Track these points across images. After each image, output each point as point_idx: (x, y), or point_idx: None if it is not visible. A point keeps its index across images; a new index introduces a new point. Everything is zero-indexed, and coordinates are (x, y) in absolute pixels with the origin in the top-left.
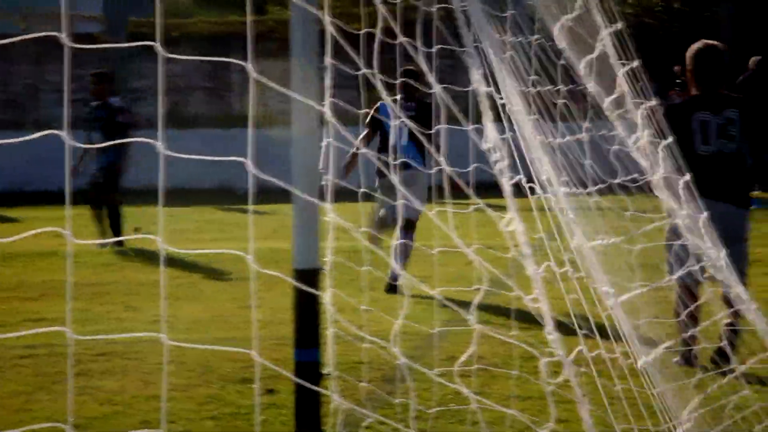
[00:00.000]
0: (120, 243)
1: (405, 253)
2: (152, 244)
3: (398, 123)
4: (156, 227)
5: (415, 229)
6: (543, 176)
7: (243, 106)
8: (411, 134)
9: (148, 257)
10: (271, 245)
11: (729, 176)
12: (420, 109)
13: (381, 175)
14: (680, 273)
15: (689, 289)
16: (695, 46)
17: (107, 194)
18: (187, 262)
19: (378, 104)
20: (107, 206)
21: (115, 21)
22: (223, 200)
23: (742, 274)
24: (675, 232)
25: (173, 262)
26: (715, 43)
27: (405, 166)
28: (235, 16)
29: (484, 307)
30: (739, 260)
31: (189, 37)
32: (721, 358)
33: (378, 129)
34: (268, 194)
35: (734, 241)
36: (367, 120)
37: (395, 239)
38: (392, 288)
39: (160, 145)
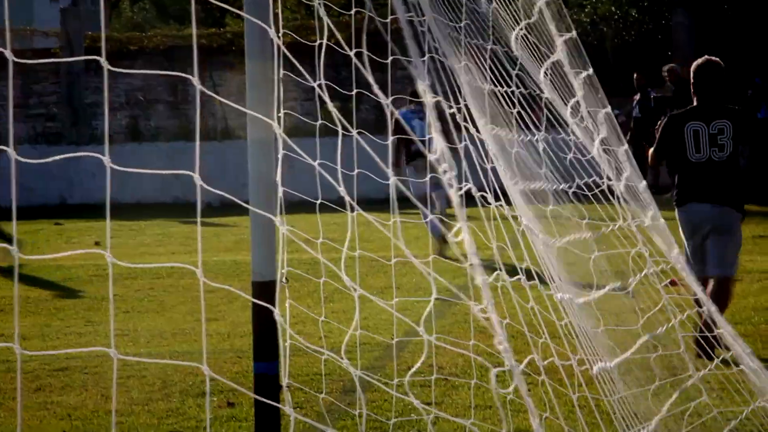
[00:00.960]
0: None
1: (444, 203)
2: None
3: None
4: (117, 241)
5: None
6: (508, 182)
7: (204, 118)
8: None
9: (108, 271)
10: (234, 257)
11: (719, 182)
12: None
13: (412, 158)
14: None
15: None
16: (697, 62)
17: None
18: (149, 276)
19: (399, 112)
20: None
21: (73, 36)
22: (185, 214)
23: (728, 262)
24: (689, 230)
25: (134, 275)
26: (715, 59)
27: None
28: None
29: (444, 317)
30: (726, 248)
31: (147, 50)
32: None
33: (401, 131)
34: (231, 207)
35: (723, 232)
36: (393, 128)
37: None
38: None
39: (106, 159)
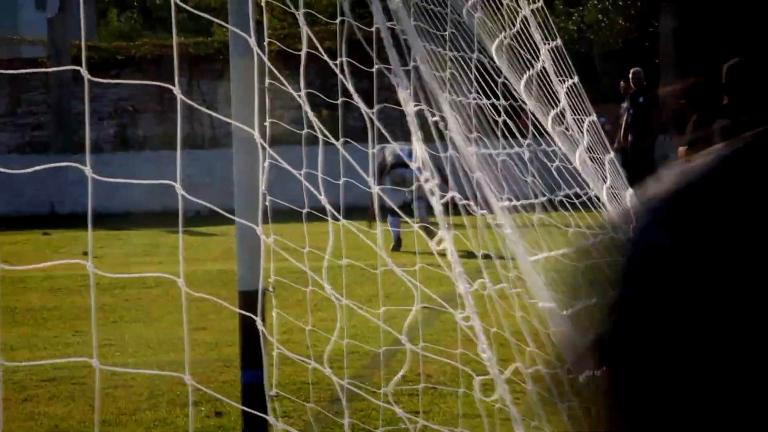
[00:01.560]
0: None
1: (424, 213)
2: (99, 267)
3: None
4: (105, 251)
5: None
6: (484, 193)
7: (192, 127)
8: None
9: (96, 281)
10: (222, 267)
11: None
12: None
13: (392, 168)
14: None
15: None
16: (728, 63)
17: None
18: (137, 285)
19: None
20: None
21: (60, 45)
22: (173, 223)
23: None
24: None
25: (122, 285)
26: (744, 60)
27: (407, 165)
28: (181, 38)
29: (432, 326)
30: None
31: (135, 59)
32: None
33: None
34: (220, 216)
35: None
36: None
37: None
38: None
39: (87, 169)
